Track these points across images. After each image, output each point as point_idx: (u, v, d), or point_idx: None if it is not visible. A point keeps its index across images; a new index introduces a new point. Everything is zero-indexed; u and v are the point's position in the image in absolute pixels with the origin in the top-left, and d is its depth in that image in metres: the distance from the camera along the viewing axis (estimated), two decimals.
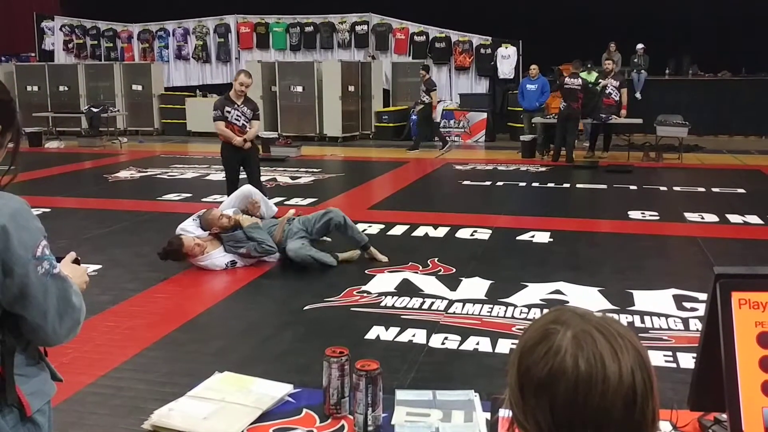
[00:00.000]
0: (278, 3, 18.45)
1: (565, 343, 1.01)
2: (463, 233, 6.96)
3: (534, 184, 10.14)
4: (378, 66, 17.06)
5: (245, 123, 7.49)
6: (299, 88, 16.13)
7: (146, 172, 11.45)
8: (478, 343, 4.16)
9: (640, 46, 15.95)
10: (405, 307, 4.80)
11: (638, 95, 15.91)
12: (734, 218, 7.67)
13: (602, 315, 1.08)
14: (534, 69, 13.53)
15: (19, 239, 1.58)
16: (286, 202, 8.58)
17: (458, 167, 11.72)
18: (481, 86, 17.49)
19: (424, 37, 17.68)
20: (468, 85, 17.52)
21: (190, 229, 5.92)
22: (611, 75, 12.83)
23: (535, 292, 5.09)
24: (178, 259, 5.68)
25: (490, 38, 17.25)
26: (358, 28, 18.04)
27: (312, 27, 18.40)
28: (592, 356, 0.99)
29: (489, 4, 16.99)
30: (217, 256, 5.76)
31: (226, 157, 7.72)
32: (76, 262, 1.90)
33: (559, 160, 12.08)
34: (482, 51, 17.40)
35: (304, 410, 2.64)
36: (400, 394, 2.71)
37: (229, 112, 7.42)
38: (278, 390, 2.78)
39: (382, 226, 7.24)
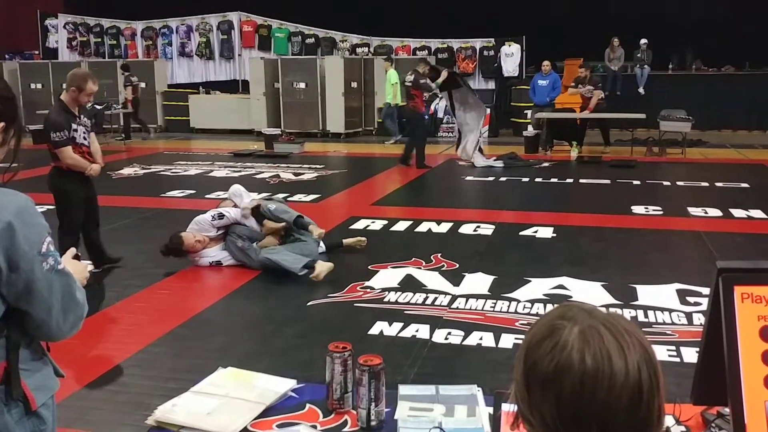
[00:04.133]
0: (281, 7, 18.45)
1: (571, 339, 1.01)
2: (466, 229, 6.96)
3: (537, 180, 10.13)
4: (381, 63, 17.03)
5: (85, 140, 5.50)
6: (302, 85, 16.14)
7: (150, 169, 11.46)
8: (481, 338, 4.16)
9: (643, 41, 15.92)
10: (408, 303, 4.80)
11: (641, 90, 15.89)
12: (738, 213, 7.66)
13: (609, 311, 1.08)
14: (546, 65, 13.54)
15: (25, 235, 1.59)
16: (289, 199, 8.58)
17: (461, 163, 11.71)
18: (487, 87, 17.50)
19: (426, 51, 17.72)
20: (473, 87, 17.53)
21: (203, 227, 5.83)
22: (587, 80, 12.92)
23: (538, 287, 5.09)
24: (179, 256, 5.70)
25: (492, 40, 17.24)
26: (359, 50, 18.05)
27: (313, 39, 18.43)
28: (598, 352, 1.00)
29: (490, 4, 16.98)
30: (207, 255, 5.76)
31: (69, 193, 5.43)
32: (77, 258, 1.91)
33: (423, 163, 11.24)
34: (485, 53, 17.40)
35: (308, 405, 2.65)
36: (403, 389, 2.71)
37: (75, 131, 5.33)
38: (281, 385, 2.78)
39: (386, 222, 7.25)
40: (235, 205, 6.04)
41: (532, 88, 13.72)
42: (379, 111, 16.43)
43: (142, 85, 16.52)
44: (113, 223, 7.44)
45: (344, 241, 6.12)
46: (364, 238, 6.22)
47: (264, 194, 6.02)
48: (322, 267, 5.33)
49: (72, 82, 5.23)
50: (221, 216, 5.85)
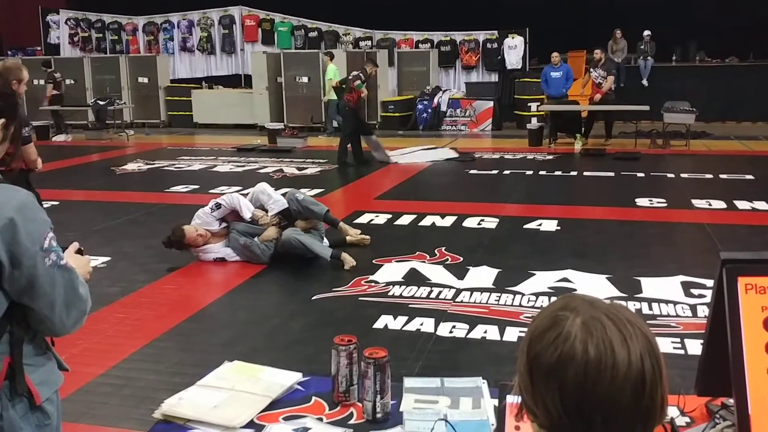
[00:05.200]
0: (284, 0, 18.42)
1: (574, 330, 1.02)
2: (470, 222, 6.96)
3: (541, 173, 10.12)
4: (384, 56, 17.01)
5: None
6: (305, 79, 16.11)
7: (153, 164, 11.48)
8: (485, 332, 4.17)
9: (646, 32, 15.86)
10: (413, 297, 4.81)
11: (645, 82, 15.84)
12: (742, 204, 7.64)
13: (611, 302, 1.08)
14: (556, 56, 13.49)
15: (27, 231, 1.60)
16: (295, 194, 8.57)
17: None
18: (490, 80, 17.48)
19: (429, 44, 17.68)
20: (476, 80, 17.53)
21: (205, 219, 5.83)
22: (601, 64, 12.88)
23: (542, 280, 5.10)
24: (180, 249, 5.70)
25: (496, 32, 17.20)
26: (362, 43, 18.03)
27: (316, 32, 18.40)
28: (601, 342, 1.00)
29: None
30: (211, 251, 5.76)
31: (36, 192, 4.57)
32: (80, 252, 1.92)
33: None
34: (489, 45, 17.38)
35: (314, 398, 2.66)
36: (409, 382, 2.73)
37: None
38: (287, 378, 2.80)
39: (390, 216, 7.25)
40: (261, 207, 6.00)
41: (545, 80, 13.57)
42: (382, 104, 16.42)
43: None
44: (118, 219, 7.47)
45: (348, 238, 6.12)
46: (368, 237, 6.20)
47: (286, 190, 6.07)
48: (348, 258, 5.50)
49: (10, 75, 5.00)
50: (218, 206, 5.82)
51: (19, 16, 20.18)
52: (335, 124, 14.54)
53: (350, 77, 11.37)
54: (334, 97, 14.38)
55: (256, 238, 5.70)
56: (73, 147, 14.02)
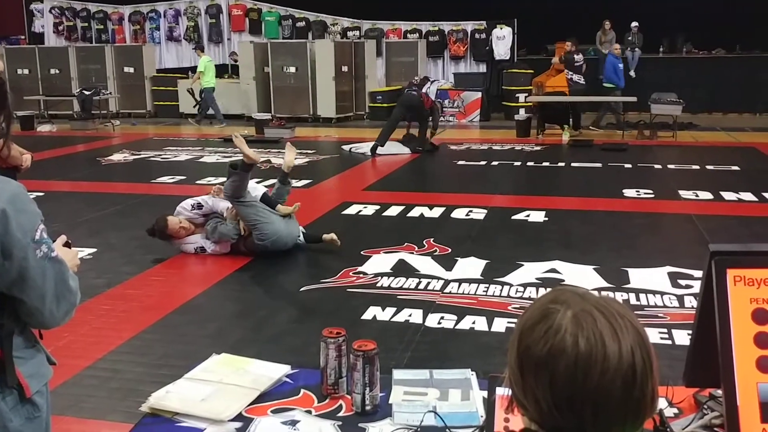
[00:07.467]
0: None
1: (565, 323, 1.02)
2: (459, 213, 6.97)
3: (529, 164, 10.14)
4: (371, 46, 16.96)
5: None
6: (292, 69, 16.03)
7: (139, 154, 11.40)
8: (474, 323, 4.17)
9: (634, 24, 15.91)
10: (401, 288, 4.81)
11: (632, 73, 15.87)
12: (728, 195, 7.69)
13: (602, 295, 1.08)
14: (617, 48, 13.56)
15: (18, 223, 1.58)
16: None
17: (453, 147, 11.71)
18: (478, 70, 17.48)
19: (417, 34, 17.65)
20: (464, 70, 17.52)
21: (185, 215, 5.80)
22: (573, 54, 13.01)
23: (530, 271, 5.11)
24: (163, 239, 5.67)
25: (484, 23, 17.19)
26: (350, 33, 17.96)
27: (304, 22, 18.31)
28: (592, 335, 1.00)
29: None
30: (191, 241, 5.73)
31: None
32: (67, 245, 1.90)
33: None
34: (477, 36, 17.37)
35: (302, 390, 2.65)
36: (398, 374, 2.73)
37: None
38: (276, 371, 2.78)
39: (378, 207, 7.24)
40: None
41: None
42: (370, 95, 16.38)
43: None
44: (104, 210, 7.42)
45: (324, 236, 5.84)
46: (338, 241, 5.75)
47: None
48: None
49: None
50: (200, 206, 5.78)
51: (2, 5, 19.94)
52: (211, 111, 15.44)
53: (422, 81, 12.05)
54: (209, 84, 15.24)
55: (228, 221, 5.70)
56: (58, 137, 13.89)
